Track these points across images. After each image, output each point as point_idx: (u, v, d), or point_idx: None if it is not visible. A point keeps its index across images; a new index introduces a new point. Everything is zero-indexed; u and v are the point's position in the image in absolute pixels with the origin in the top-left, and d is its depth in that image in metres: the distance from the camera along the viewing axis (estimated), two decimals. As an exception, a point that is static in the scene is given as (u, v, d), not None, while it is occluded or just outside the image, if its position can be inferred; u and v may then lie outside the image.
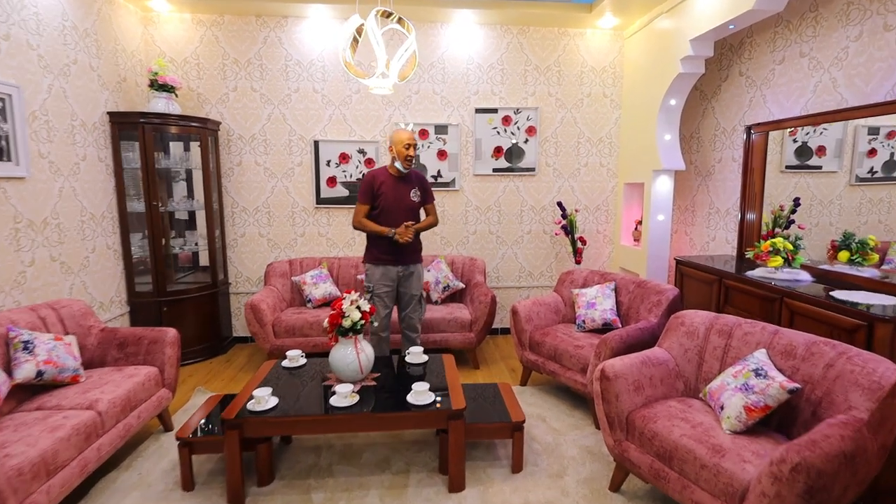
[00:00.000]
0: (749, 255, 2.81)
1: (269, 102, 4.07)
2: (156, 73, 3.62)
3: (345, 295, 2.44)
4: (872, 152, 2.87)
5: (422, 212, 3.18)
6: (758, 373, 1.97)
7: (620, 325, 3.10)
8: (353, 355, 2.39)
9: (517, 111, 4.21)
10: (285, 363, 2.70)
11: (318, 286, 3.85)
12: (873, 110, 2.45)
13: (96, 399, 2.25)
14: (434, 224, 3.17)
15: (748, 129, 3.29)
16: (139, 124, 3.53)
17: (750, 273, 2.82)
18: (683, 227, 4.20)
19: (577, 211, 4.24)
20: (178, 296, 3.78)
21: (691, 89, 3.99)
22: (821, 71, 2.85)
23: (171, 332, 2.78)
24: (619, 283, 3.28)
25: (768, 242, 2.74)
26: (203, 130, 3.80)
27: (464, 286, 3.99)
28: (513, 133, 4.24)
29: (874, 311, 2.07)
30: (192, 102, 4.01)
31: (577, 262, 4.19)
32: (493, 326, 4.35)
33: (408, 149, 2.88)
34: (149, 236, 3.65)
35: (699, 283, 3.21)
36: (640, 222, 4.13)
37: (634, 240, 4.17)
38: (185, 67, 3.99)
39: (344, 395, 2.21)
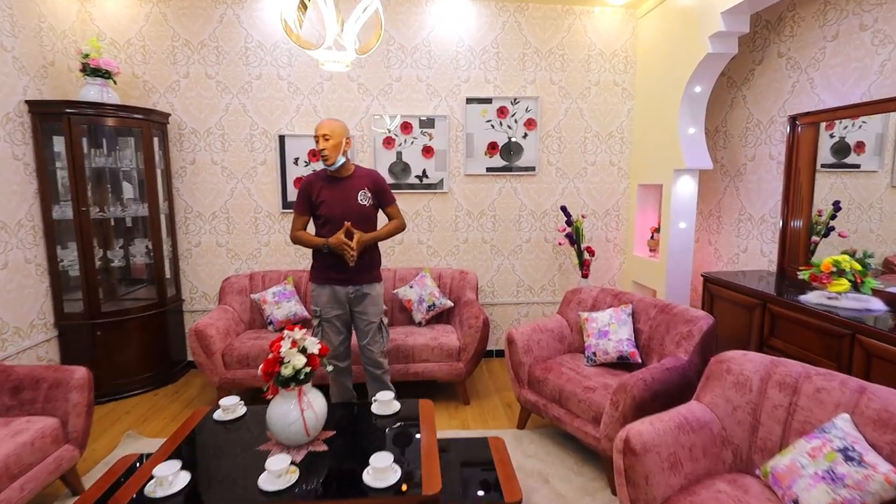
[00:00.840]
0: (803, 275, 2.24)
1: (227, 91, 3.50)
2: (86, 56, 3.05)
3: (286, 332, 1.87)
4: None
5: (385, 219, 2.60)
6: (847, 455, 1.41)
7: (639, 360, 2.53)
8: (296, 413, 1.82)
9: (514, 101, 3.64)
10: (218, 415, 2.13)
11: (281, 305, 3.28)
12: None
13: (-48, 473, 1.69)
14: (397, 230, 2.56)
15: (792, 119, 2.72)
16: (65, 115, 2.96)
17: (803, 298, 2.25)
18: (707, 236, 3.63)
19: (583, 217, 3.67)
20: (118, 316, 3.22)
21: (719, 76, 3.42)
22: (890, 46, 2.28)
23: (80, 373, 2.21)
24: (636, 305, 2.71)
25: (829, 260, 2.17)
26: (146, 123, 3.23)
27: (452, 304, 3.42)
28: (509, 126, 3.67)
29: None
30: (136, 91, 3.45)
31: (584, 276, 3.62)
32: (488, 348, 3.78)
33: (316, 142, 2.32)
34: (78, 247, 3.09)
35: (734, 307, 2.65)
36: (656, 230, 3.56)
37: (650, 250, 3.60)
38: (128, 51, 3.42)
39: (277, 474, 1.64)
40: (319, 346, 1.91)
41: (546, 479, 2.34)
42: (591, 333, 2.69)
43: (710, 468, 1.71)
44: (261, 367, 1.82)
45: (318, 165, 3.57)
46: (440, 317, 3.46)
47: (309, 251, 3.67)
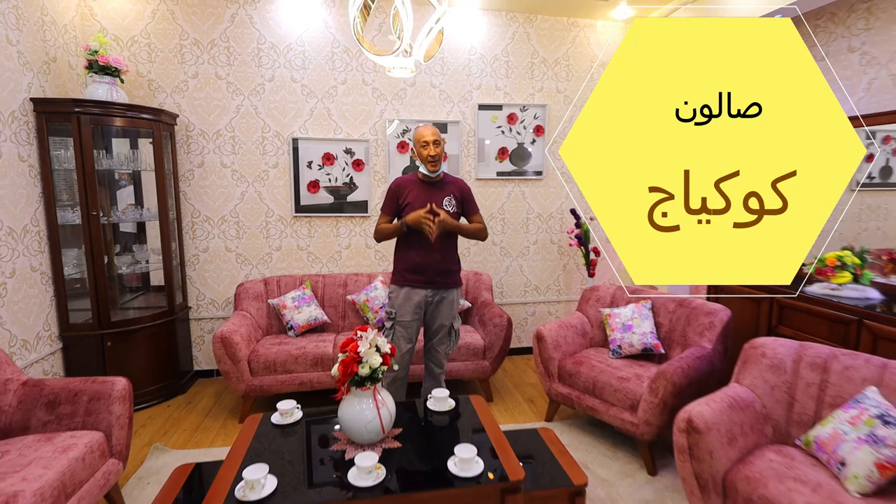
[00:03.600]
0: (809, 269, 2.51)
1: (239, 93, 3.44)
2: (95, 52, 2.92)
3: (359, 333, 1.91)
4: (870, 158, 2.73)
5: None
6: (885, 420, 1.62)
7: (663, 351, 2.73)
8: (373, 412, 1.85)
9: (523, 108, 3.79)
10: (276, 418, 2.12)
11: (302, 310, 3.25)
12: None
13: (15, 492, 1.60)
14: (479, 233, 2.58)
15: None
16: (73, 114, 2.82)
17: (809, 289, 2.52)
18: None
19: (591, 219, 3.87)
20: (127, 326, 3.08)
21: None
22: (877, 66, 2.60)
23: (121, 384, 2.14)
24: (655, 301, 2.91)
25: (833, 255, 2.44)
26: (156, 124, 3.12)
27: (470, 305, 3.51)
28: (518, 133, 3.82)
29: None
30: (141, 90, 3.32)
31: (591, 275, 3.81)
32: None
33: (425, 147, 2.37)
34: (87, 254, 2.94)
35: (741, 301, 2.90)
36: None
37: (650, 250, 3.85)
38: (132, 48, 3.29)
39: (367, 470, 1.67)
40: (390, 346, 1.96)
41: (586, 466, 2.47)
42: (614, 328, 2.86)
43: (757, 442, 1.90)
44: (336, 367, 1.85)
45: (333, 169, 3.57)
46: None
47: (327, 256, 3.65)
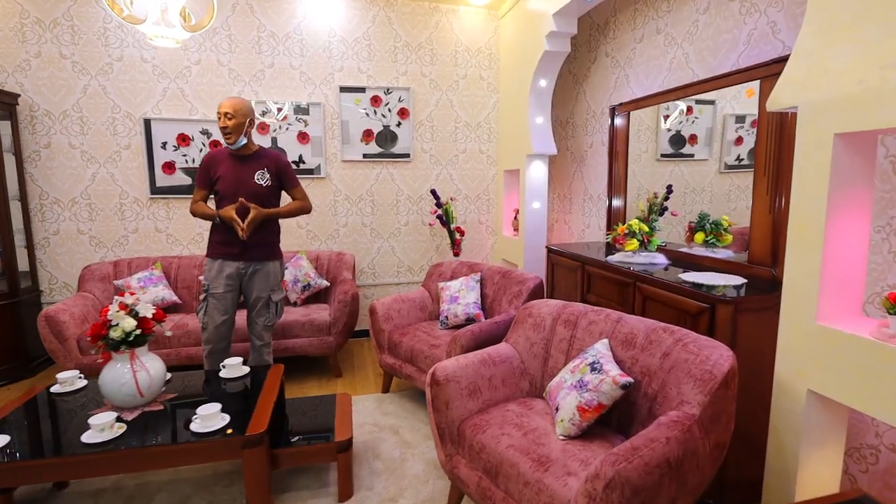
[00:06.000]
0: (608, 238, 2.65)
1: (85, 72, 3.38)
2: None
3: (116, 297, 1.93)
4: (739, 140, 2.88)
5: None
6: (593, 367, 1.74)
7: (484, 319, 2.83)
8: (128, 375, 1.88)
9: (388, 91, 3.85)
10: (55, 388, 2.12)
11: (148, 290, 3.23)
12: (718, 82, 2.36)
13: None
14: (299, 210, 2.60)
15: (612, 110, 3.17)
16: None
17: (610, 258, 2.66)
18: (563, 216, 4.06)
19: (452, 199, 3.96)
20: (-44, 309, 3.01)
21: (566, 73, 3.86)
22: (675, 47, 2.76)
23: None
24: (484, 274, 3.02)
25: (624, 225, 2.58)
26: (-12, 103, 3.05)
27: (329, 284, 3.56)
28: (384, 115, 3.88)
29: (716, 291, 1.92)
30: (-23, 69, 3.23)
31: (456, 255, 3.91)
32: (364, 328, 3.95)
33: (220, 119, 2.38)
34: None
35: (566, 271, 3.03)
36: (518, 211, 3.93)
37: (514, 229, 3.97)
38: (-34, 25, 3.20)
39: (101, 428, 1.70)
40: (154, 310, 1.98)
41: (397, 431, 2.55)
42: (444, 300, 2.95)
43: (509, 395, 2.00)
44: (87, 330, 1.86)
45: (189, 150, 3.56)
46: (318, 297, 3.58)
47: (188, 238, 3.64)
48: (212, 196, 2.54)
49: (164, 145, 3.53)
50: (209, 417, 1.77)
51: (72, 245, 3.51)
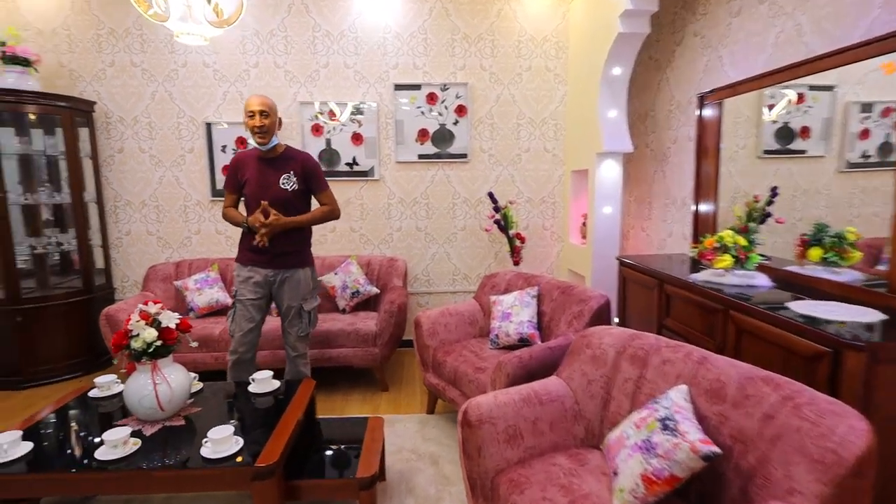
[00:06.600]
0: (692, 253, 2.20)
1: (153, 79, 3.50)
2: (3, 44, 3.06)
3: (139, 306, 1.86)
4: (865, 133, 2.28)
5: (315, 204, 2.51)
6: (666, 425, 1.36)
7: (539, 341, 2.49)
8: (149, 388, 1.80)
9: (444, 87, 3.61)
10: (94, 392, 2.12)
11: (203, 292, 3.27)
12: (843, 57, 1.84)
13: None
14: (325, 217, 2.46)
15: (700, 98, 2.67)
16: (-20, 101, 2.97)
17: (694, 276, 2.21)
18: (640, 223, 3.58)
19: (511, 203, 3.63)
20: (38, 303, 3.22)
21: (646, 59, 3.38)
22: (783, 17, 2.23)
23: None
24: (542, 288, 2.67)
25: (713, 237, 2.12)
26: (69, 111, 3.23)
27: (378, 291, 3.39)
28: (440, 113, 3.64)
29: (843, 331, 1.45)
30: (63, 80, 3.46)
31: (515, 263, 3.58)
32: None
33: (252, 118, 2.24)
34: (-3, 233, 3.09)
35: (641, 289, 2.60)
36: (586, 216, 3.51)
37: (582, 237, 3.56)
38: (53, 40, 3.43)
39: (113, 444, 1.62)
40: (179, 320, 1.89)
41: (436, 461, 2.30)
42: (495, 316, 2.65)
43: (559, 442, 1.67)
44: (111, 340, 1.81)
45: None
46: (368, 304, 3.44)
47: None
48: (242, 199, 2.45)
49: (223, 148, 3.56)
50: (221, 442, 1.63)
51: (142, 245, 3.66)
